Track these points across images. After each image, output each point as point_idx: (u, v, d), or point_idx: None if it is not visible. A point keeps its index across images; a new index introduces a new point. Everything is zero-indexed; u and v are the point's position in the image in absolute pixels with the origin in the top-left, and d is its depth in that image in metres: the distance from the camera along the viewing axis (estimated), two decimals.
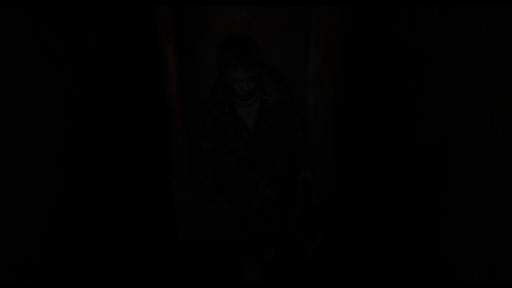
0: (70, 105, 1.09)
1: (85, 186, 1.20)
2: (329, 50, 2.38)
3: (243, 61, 1.54)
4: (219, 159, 1.92)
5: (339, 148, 2.42)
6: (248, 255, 2.30)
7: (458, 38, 1.02)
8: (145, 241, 1.88)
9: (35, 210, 0.93)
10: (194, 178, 2.01)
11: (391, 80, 1.55)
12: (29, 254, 0.90)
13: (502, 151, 0.84)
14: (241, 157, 1.85)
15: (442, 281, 1.15)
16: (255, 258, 2.30)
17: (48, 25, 0.94)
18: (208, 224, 2.56)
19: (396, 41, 1.47)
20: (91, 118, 1.23)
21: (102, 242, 1.33)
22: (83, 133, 1.18)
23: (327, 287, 2.24)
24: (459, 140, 1.04)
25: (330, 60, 2.37)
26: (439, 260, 1.19)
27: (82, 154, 1.17)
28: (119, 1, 1.54)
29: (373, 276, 1.84)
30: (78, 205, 1.16)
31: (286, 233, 2.34)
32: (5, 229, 0.81)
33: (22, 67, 0.84)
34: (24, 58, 0.85)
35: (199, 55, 2.68)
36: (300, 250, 2.25)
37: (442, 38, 1.11)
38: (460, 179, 1.04)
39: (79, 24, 1.13)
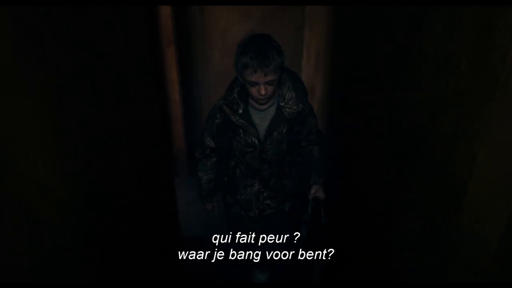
0: (89, 112, 1.23)
1: (101, 186, 1.32)
2: (320, 60, 2.56)
3: (262, 64, 1.42)
4: (222, 160, 1.83)
5: (330, 152, 2.57)
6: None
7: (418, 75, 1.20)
8: (149, 237, 1.98)
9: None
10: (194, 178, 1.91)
11: (370, 91, 1.72)
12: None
13: (446, 161, 1.02)
14: (247, 163, 1.74)
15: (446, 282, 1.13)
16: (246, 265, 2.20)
17: (57, 35, 1.00)
18: (208, 222, 2.70)
19: (377, 55, 1.64)
20: (104, 124, 1.37)
21: (112, 239, 1.41)
22: (99, 138, 1.29)
23: None
24: (415, 149, 1.22)
25: (321, 70, 2.55)
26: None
27: (100, 157, 1.30)
28: (123, 9, 1.61)
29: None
30: (96, 204, 1.26)
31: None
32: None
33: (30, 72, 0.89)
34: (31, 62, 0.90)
35: (199, 65, 2.85)
36: (307, 269, 2.15)
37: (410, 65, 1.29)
38: (417, 178, 1.22)
39: (92, 38, 1.26)
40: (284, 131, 1.63)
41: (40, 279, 0.87)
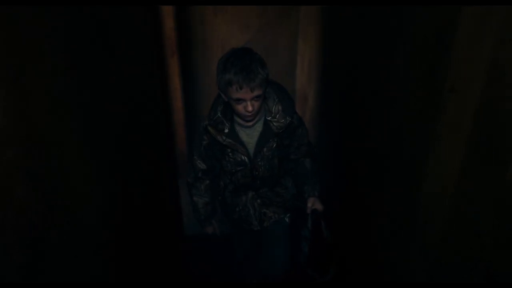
0: (103, 120, 1.34)
1: (114, 186, 1.42)
2: (312, 69, 2.75)
3: (248, 79, 1.34)
4: (214, 180, 1.78)
5: (322, 157, 2.74)
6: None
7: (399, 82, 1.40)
8: (155, 235, 2.04)
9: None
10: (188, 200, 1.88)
11: (358, 98, 1.91)
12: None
13: (408, 165, 1.22)
14: (239, 181, 1.68)
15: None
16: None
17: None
18: None
19: (363, 65, 1.83)
20: (114, 131, 1.47)
21: (120, 238, 1.48)
22: (111, 144, 1.41)
23: None
24: (392, 154, 1.43)
25: (313, 78, 2.74)
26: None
27: (112, 161, 1.41)
28: (130, 23, 1.69)
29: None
30: (109, 203, 1.36)
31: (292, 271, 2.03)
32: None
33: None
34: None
35: (200, 74, 3.05)
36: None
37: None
38: (397, 175, 1.42)
39: (104, 53, 1.37)
40: (274, 146, 1.57)
41: (59, 267, 0.95)
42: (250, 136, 1.58)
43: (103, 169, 1.29)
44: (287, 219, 1.83)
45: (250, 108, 1.40)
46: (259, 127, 1.56)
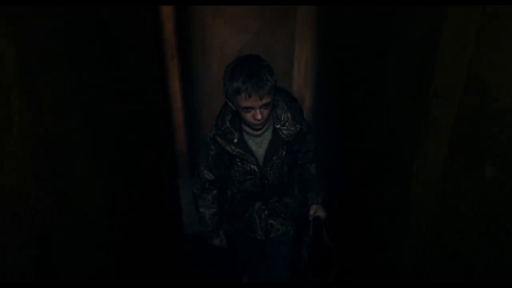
0: (102, 118, 1.35)
1: (116, 186, 1.44)
2: (309, 70, 2.77)
3: (257, 87, 1.31)
4: (221, 189, 1.76)
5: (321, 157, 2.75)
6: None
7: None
8: (155, 235, 2.06)
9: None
10: (195, 212, 1.84)
11: (353, 99, 1.92)
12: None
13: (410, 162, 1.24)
14: (247, 189, 1.65)
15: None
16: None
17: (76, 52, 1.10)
18: None
19: (357, 68, 1.85)
20: (116, 129, 1.49)
21: (123, 239, 1.49)
22: (113, 145, 1.42)
23: None
24: (389, 152, 1.44)
25: (310, 78, 2.76)
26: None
27: (115, 161, 1.43)
28: (131, 28, 1.74)
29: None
30: (114, 203, 1.39)
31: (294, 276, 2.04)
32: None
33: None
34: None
35: (199, 75, 3.05)
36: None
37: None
38: (389, 175, 1.43)
39: (106, 57, 1.39)
40: (284, 153, 1.55)
41: (63, 262, 0.96)
42: (259, 145, 1.56)
43: (103, 169, 1.30)
44: (292, 232, 1.83)
45: (259, 116, 1.38)
46: (268, 135, 1.54)
